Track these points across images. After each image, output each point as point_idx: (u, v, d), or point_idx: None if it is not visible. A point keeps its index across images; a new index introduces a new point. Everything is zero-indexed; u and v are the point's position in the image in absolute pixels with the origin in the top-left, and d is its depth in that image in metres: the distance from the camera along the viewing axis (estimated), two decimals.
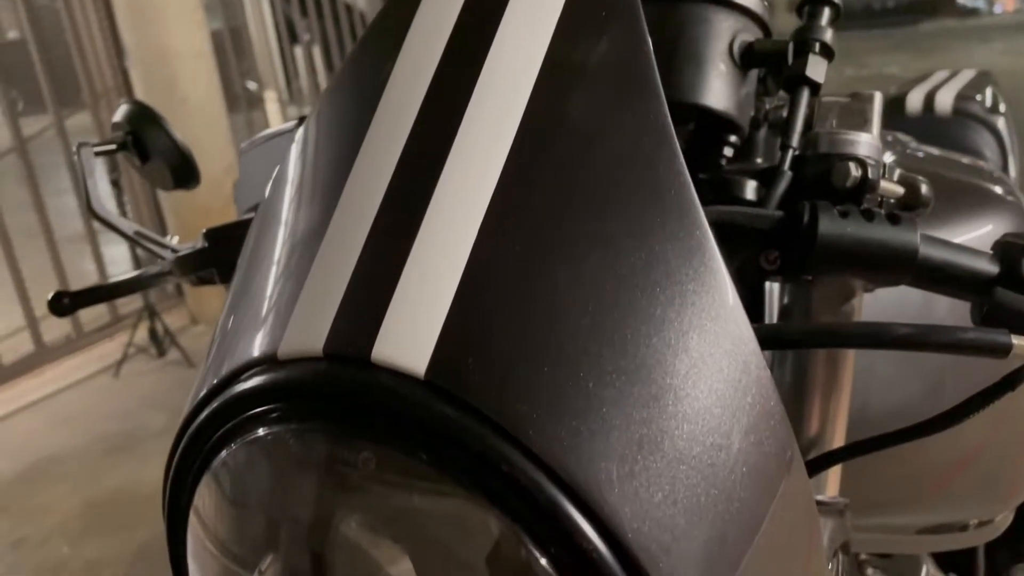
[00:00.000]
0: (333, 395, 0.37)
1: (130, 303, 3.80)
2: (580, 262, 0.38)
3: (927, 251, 0.47)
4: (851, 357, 0.61)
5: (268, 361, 0.39)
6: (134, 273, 0.80)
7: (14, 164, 3.61)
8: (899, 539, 0.83)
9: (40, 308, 3.55)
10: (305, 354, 0.38)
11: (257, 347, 0.40)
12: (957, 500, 0.81)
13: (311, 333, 0.38)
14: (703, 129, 0.58)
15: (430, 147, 0.41)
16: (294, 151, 0.48)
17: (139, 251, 3.45)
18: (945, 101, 1.51)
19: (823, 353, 0.61)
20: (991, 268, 0.47)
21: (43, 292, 0.88)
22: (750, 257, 0.53)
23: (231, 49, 4.78)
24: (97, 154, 0.83)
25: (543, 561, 0.34)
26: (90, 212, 0.81)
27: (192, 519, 0.42)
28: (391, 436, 0.36)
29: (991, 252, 0.48)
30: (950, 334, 0.44)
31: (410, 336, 0.36)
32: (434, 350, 0.36)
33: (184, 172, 0.84)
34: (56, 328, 3.65)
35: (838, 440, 0.61)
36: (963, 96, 1.51)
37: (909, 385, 0.76)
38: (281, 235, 0.44)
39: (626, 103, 0.42)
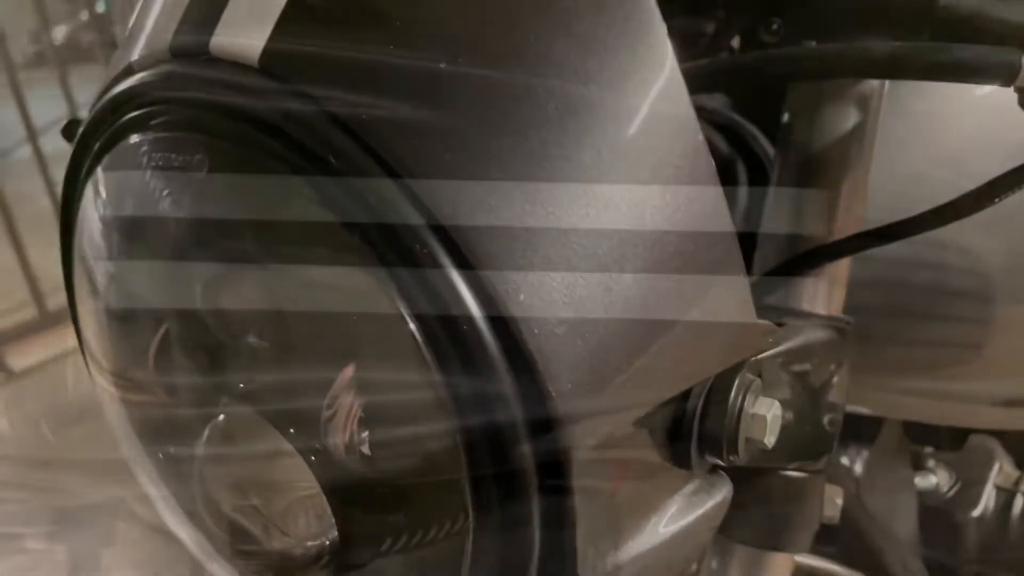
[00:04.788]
0: (174, 94, 0.35)
1: None
2: None
3: None
4: (867, 144, 0.53)
5: (126, 71, 0.37)
6: None
7: None
8: (971, 409, 0.75)
9: None
10: (155, 58, 0.36)
11: (122, 61, 0.38)
12: None
13: (161, 36, 0.36)
14: None
15: None
16: None
17: None
18: None
19: (837, 138, 0.52)
20: None
21: None
22: (752, 30, 0.47)
23: None
24: None
25: (381, 271, 0.30)
26: None
27: (76, 243, 0.41)
28: (222, 130, 0.32)
29: None
30: (946, 52, 0.37)
31: (247, 24, 0.33)
32: (270, 35, 0.32)
33: None
34: None
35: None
36: None
37: (988, 259, 0.67)
38: None
39: None
